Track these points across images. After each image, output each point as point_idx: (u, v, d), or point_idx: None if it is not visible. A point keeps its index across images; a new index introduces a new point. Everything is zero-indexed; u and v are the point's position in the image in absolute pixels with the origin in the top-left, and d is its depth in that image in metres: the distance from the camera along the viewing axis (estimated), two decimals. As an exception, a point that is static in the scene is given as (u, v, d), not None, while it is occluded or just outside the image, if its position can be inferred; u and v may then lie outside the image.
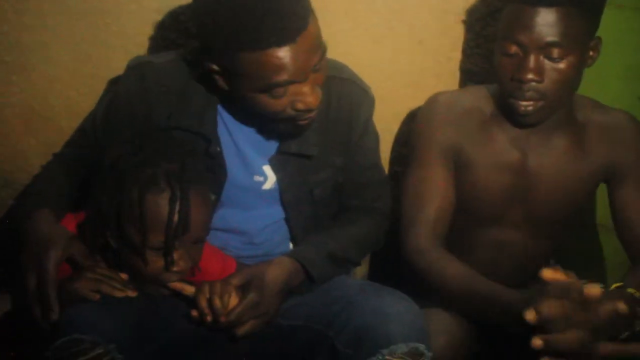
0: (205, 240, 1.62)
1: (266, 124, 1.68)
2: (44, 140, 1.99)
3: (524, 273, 1.90)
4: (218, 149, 1.71)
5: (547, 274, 1.45)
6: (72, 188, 1.71)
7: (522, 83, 1.69)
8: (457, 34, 2.11)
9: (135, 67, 1.72)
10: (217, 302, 1.56)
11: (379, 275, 2.23)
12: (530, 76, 1.67)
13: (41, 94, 2.01)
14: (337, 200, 1.86)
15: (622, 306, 1.42)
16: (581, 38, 1.68)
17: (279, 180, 1.77)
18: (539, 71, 1.68)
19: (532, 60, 1.67)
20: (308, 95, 1.56)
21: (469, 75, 2.13)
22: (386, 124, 2.15)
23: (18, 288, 1.54)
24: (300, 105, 1.57)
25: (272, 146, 1.75)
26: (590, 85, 1.86)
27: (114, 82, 1.81)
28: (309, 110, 1.60)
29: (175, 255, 1.55)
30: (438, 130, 1.83)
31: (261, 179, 1.77)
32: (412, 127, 1.96)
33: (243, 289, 1.61)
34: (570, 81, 1.71)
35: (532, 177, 1.83)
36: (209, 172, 1.66)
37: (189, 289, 1.59)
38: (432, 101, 1.88)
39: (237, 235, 1.80)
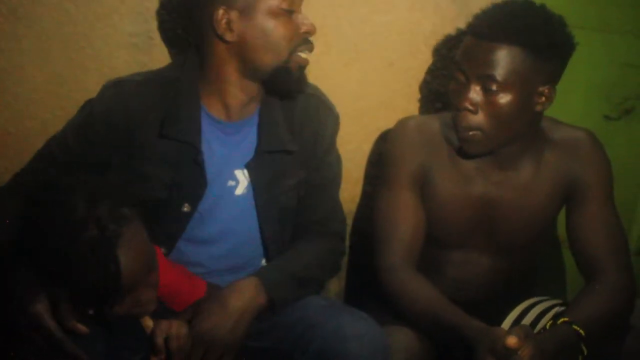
0: (156, 268, 1.61)
1: (275, 75, 1.75)
2: (19, 162, 1.99)
3: (491, 289, 1.94)
4: (203, 157, 1.76)
5: (512, 341, 1.55)
6: None
7: (459, 110, 1.74)
8: (425, 57, 2.17)
9: (112, 86, 1.78)
10: (174, 344, 1.58)
11: (355, 291, 2.27)
12: (464, 104, 1.73)
13: (16, 116, 2.02)
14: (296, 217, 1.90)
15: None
16: (525, 79, 1.71)
17: (254, 184, 1.81)
18: (473, 101, 1.72)
19: (469, 90, 1.73)
20: (308, 21, 1.76)
21: (437, 96, 2.18)
22: (357, 144, 2.20)
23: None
24: (304, 28, 1.74)
25: (247, 149, 1.81)
26: (556, 104, 1.88)
27: (87, 103, 1.84)
28: (308, 41, 1.77)
29: (123, 307, 1.55)
30: (407, 154, 1.88)
31: (233, 183, 1.82)
32: (383, 149, 2.01)
33: (195, 320, 1.64)
34: (508, 118, 1.73)
35: (495, 207, 1.87)
36: (190, 182, 1.71)
37: (148, 324, 1.61)
38: (402, 125, 1.92)
39: (212, 246, 1.83)
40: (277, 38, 1.72)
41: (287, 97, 1.82)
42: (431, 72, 2.18)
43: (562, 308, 1.79)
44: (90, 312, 1.53)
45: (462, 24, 2.06)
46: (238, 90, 1.78)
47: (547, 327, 1.68)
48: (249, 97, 1.79)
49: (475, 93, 1.73)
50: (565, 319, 1.67)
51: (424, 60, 2.18)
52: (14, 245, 1.55)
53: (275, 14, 1.71)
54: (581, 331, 1.65)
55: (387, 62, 2.17)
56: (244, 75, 1.76)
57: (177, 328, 1.60)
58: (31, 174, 1.80)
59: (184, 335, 1.60)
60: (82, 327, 1.52)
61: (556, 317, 1.71)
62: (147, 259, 1.56)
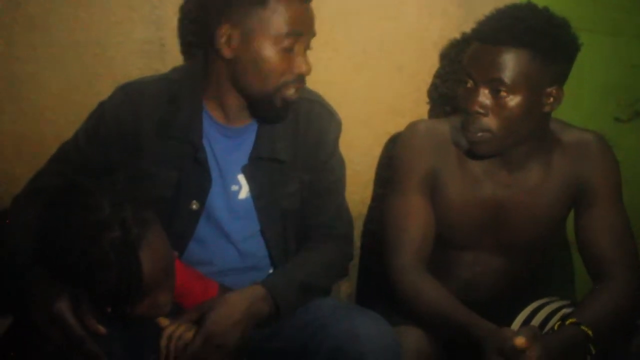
0: (174, 272, 1.64)
1: (258, 103, 1.78)
2: (35, 166, 2.03)
3: (501, 290, 1.96)
4: (204, 155, 1.80)
5: (519, 342, 1.57)
6: None
7: (469, 114, 1.76)
8: (433, 61, 2.20)
9: (123, 88, 1.84)
10: (172, 345, 1.62)
11: (366, 292, 2.29)
12: (474, 108, 1.75)
13: (32, 122, 2.06)
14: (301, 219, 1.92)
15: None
16: (532, 80, 1.73)
17: (251, 189, 1.84)
18: (483, 104, 1.74)
19: (478, 94, 1.74)
20: (305, 62, 1.76)
21: (446, 99, 2.20)
22: (367, 148, 2.22)
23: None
24: (298, 69, 1.75)
25: (245, 154, 1.84)
26: (566, 106, 1.90)
27: (99, 106, 1.88)
28: (301, 80, 1.78)
29: (141, 308, 1.58)
30: (417, 158, 1.90)
31: (236, 187, 1.85)
32: (393, 152, 2.03)
33: (200, 322, 1.66)
34: (517, 120, 1.75)
35: (504, 210, 1.88)
36: (195, 180, 1.75)
37: (164, 322, 1.64)
38: (412, 129, 1.94)
39: (223, 242, 1.86)
40: (268, 69, 1.74)
41: (276, 121, 1.84)
42: (440, 76, 2.20)
43: (571, 309, 1.80)
44: (109, 310, 1.56)
45: (469, 29, 2.06)
46: (234, 99, 1.81)
47: (556, 327, 1.69)
48: (244, 106, 1.82)
49: (484, 97, 1.75)
50: (573, 319, 1.68)
51: (433, 64, 2.20)
52: (34, 247, 1.58)
53: (274, 46, 1.73)
54: (589, 332, 1.66)
55: (396, 67, 2.19)
56: (236, 89, 1.80)
57: (183, 332, 1.63)
58: (48, 177, 1.83)
59: (189, 339, 1.63)
60: (100, 328, 1.55)
61: (564, 317, 1.72)
62: (166, 262, 1.60)
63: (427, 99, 2.23)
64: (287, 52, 1.74)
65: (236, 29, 1.73)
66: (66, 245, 1.51)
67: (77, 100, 2.04)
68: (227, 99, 1.81)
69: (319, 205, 1.91)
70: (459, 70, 1.84)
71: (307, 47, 1.78)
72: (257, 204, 1.85)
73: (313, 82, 1.92)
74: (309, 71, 1.77)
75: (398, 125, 2.10)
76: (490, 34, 1.73)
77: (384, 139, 2.23)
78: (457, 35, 2.19)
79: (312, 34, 1.78)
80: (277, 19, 1.71)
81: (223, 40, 1.74)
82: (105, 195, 1.54)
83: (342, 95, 2.08)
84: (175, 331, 1.62)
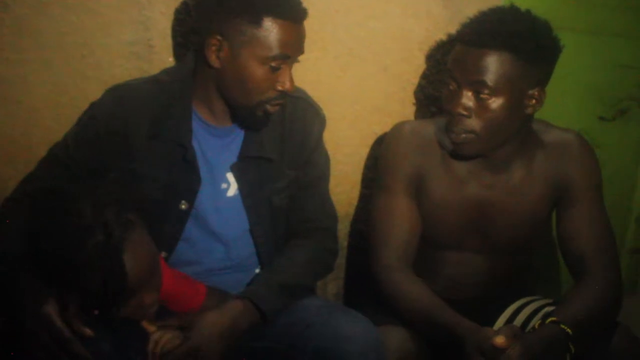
0: (159, 272, 1.65)
1: (239, 112, 1.81)
2: (24, 168, 2.04)
3: (486, 289, 1.98)
4: (194, 156, 1.83)
5: (499, 341, 1.60)
6: None
7: (453, 116, 1.78)
8: (419, 62, 2.22)
9: (112, 90, 1.86)
10: (159, 350, 1.64)
11: (353, 292, 2.31)
12: (458, 109, 1.77)
13: (21, 124, 2.06)
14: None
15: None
16: (515, 83, 1.75)
17: (240, 186, 1.87)
18: (466, 106, 1.77)
19: (462, 96, 1.77)
20: (290, 81, 1.79)
21: (432, 100, 2.23)
22: (354, 148, 2.24)
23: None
24: (281, 87, 1.78)
25: (234, 153, 1.87)
26: (551, 106, 1.94)
27: (88, 108, 1.89)
28: (283, 96, 1.80)
29: (128, 309, 1.60)
30: (403, 158, 1.92)
31: (226, 185, 1.88)
32: (378, 153, 2.05)
33: (185, 335, 1.67)
34: (500, 121, 1.78)
35: (488, 209, 1.91)
36: (184, 180, 1.78)
37: (151, 329, 1.66)
38: (397, 130, 1.97)
39: (211, 242, 1.88)
40: (251, 85, 1.77)
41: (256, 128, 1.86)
42: (425, 76, 2.22)
43: (553, 307, 1.83)
44: (96, 312, 1.57)
45: (454, 30, 2.08)
46: (219, 104, 1.84)
47: (536, 326, 1.72)
48: (231, 109, 1.85)
49: (467, 99, 1.77)
50: (553, 318, 1.70)
51: (418, 65, 2.22)
52: (22, 251, 1.59)
53: (261, 65, 1.75)
54: (568, 330, 1.68)
55: (382, 67, 2.21)
56: (221, 96, 1.83)
57: (170, 338, 1.65)
58: (37, 181, 1.84)
59: (176, 346, 1.64)
60: (87, 330, 1.56)
61: (545, 316, 1.74)
62: (151, 263, 1.61)
63: (413, 100, 2.25)
64: (273, 71, 1.77)
65: (226, 41, 1.75)
66: (51, 250, 1.53)
67: (66, 102, 2.05)
68: (214, 102, 1.84)
69: (302, 199, 1.93)
70: (445, 71, 1.86)
71: (295, 61, 1.81)
72: (246, 202, 1.88)
73: (300, 82, 1.94)
74: (292, 89, 1.80)
75: (384, 125, 2.12)
76: (474, 37, 1.75)
77: (370, 140, 2.25)
78: (442, 36, 2.21)
79: (301, 53, 1.81)
80: (268, 40, 1.74)
81: (212, 49, 1.76)
82: (88, 199, 1.55)
83: (329, 95, 2.10)
84: (162, 337, 1.64)
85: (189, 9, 2.05)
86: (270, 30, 1.73)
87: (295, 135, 1.91)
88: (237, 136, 1.88)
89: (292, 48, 1.77)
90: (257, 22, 1.73)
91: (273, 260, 1.88)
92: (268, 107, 1.80)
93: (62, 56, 2.04)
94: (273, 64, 1.75)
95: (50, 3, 2.01)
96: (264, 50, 1.74)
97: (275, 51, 1.74)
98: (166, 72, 1.92)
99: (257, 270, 1.94)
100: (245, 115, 1.82)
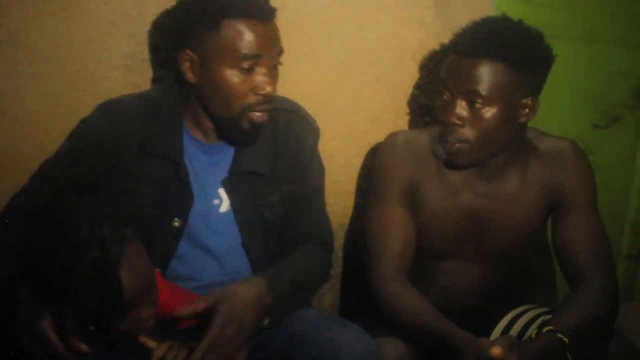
0: (155, 287, 1.65)
1: (225, 126, 1.79)
2: (16, 182, 2.03)
3: (481, 298, 1.98)
4: (186, 173, 1.82)
5: (495, 351, 1.59)
6: None
7: (446, 126, 1.78)
8: (412, 71, 2.22)
9: (104, 106, 1.85)
10: None
11: (349, 303, 2.31)
12: (452, 119, 1.77)
13: (13, 137, 2.06)
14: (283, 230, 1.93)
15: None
16: (508, 92, 1.75)
17: (232, 202, 1.86)
18: (460, 116, 1.77)
19: (455, 105, 1.77)
20: (268, 83, 1.74)
21: (425, 109, 2.23)
22: (348, 158, 2.25)
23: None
24: (261, 90, 1.74)
25: (226, 170, 1.86)
26: (545, 114, 1.94)
27: (80, 123, 1.89)
28: (267, 100, 1.76)
29: (124, 324, 1.59)
30: (397, 168, 1.92)
31: (218, 201, 1.87)
32: (372, 163, 2.05)
33: (211, 312, 1.64)
34: (494, 130, 1.78)
35: (483, 218, 1.91)
36: (176, 197, 1.77)
37: (151, 344, 1.64)
38: (391, 140, 1.96)
39: (205, 258, 1.87)
40: (228, 93, 1.74)
41: (246, 143, 1.84)
42: (419, 86, 2.23)
43: (549, 316, 1.82)
44: (92, 328, 1.57)
45: (447, 39, 2.09)
46: (206, 121, 1.83)
47: (533, 335, 1.71)
48: (219, 130, 1.83)
49: (461, 108, 1.77)
50: (550, 327, 1.70)
51: (411, 75, 2.22)
52: (17, 266, 1.59)
53: (231, 69, 1.72)
54: (565, 339, 1.68)
55: (375, 78, 2.21)
56: (207, 112, 1.81)
57: (177, 349, 1.63)
58: (30, 196, 1.84)
59: (184, 355, 1.62)
60: (83, 346, 1.56)
61: (542, 325, 1.74)
62: (147, 277, 1.61)
63: (406, 110, 2.26)
64: (247, 74, 1.73)
65: (196, 54, 1.74)
66: (47, 266, 1.52)
67: (59, 116, 2.05)
68: (202, 119, 1.83)
69: (299, 214, 1.92)
70: (438, 81, 1.86)
71: (273, 65, 1.77)
72: (238, 217, 1.87)
73: (293, 94, 1.95)
74: (273, 91, 1.76)
75: (378, 135, 2.12)
76: (467, 47, 1.75)
77: (364, 150, 2.25)
78: (435, 46, 2.21)
79: (277, 51, 1.77)
80: (232, 43, 1.71)
81: (186, 65, 1.76)
82: (83, 213, 1.55)
83: (322, 107, 2.10)
84: (167, 353, 1.61)
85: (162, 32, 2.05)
86: (231, 32, 1.70)
87: (290, 148, 1.90)
88: (228, 153, 1.87)
89: (260, 47, 1.72)
90: (217, 27, 1.71)
91: (276, 261, 1.86)
92: (253, 116, 1.77)
93: (54, 69, 2.05)
94: (245, 66, 1.72)
95: (43, 16, 2.01)
96: (230, 53, 1.71)
97: (242, 52, 1.71)
98: (157, 88, 1.92)
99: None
100: (233, 129, 1.80)
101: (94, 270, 1.51)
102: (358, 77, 2.20)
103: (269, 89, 1.75)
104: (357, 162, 2.26)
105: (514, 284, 2.02)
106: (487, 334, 1.86)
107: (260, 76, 1.74)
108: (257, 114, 1.77)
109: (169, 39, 1.80)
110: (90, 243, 1.52)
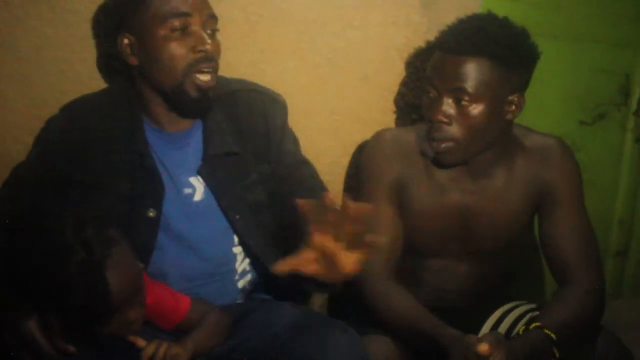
0: (142, 288, 1.64)
1: (174, 100, 1.79)
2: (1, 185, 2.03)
3: (470, 295, 1.98)
4: (152, 162, 1.82)
5: (483, 348, 1.60)
6: None
7: (433, 123, 1.79)
8: (399, 70, 2.22)
9: (65, 108, 1.89)
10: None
11: (338, 303, 2.30)
12: (438, 117, 1.77)
13: (-1, 140, 2.07)
14: (279, 210, 1.91)
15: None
16: (494, 89, 1.76)
17: (212, 188, 1.85)
18: (447, 114, 1.77)
19: (442, 103, 1.77)
20: (204, 39, 1.75)
21: (413, 108, 2.23)
22: (335, 157, 2.24)
23: None
24: (199, 46, 1.74)
25: (195, 159, 1.86)
26: (532, 111, 1.95)
27: (46, 124, 1.89)
28: (207, 58, 1.76)
29: (112, 326, 1.59)
30: (384, 166, 1.91)
31: (190, 190, 1.86)
32: (359, 161, 2.05)
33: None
34: (481, 128, 1.78)
35: (470, 215, 1.91)
36: (147, 188, 1.77)
37: (140, 343, 1.64)
38: (378, 137, 1.96)
39: (185, 249, 1.86)
40: (167, 57, 1.75)
41: (200, 115, 1.85)
42: (406, 84, 2.23)
43: (537, 313, 1.83)
44: (80, 332, 1.55)
45: (433, 37, 2.09)
46: (158, 105, 1.83)
47: (520, 332, 1.72)
48: (171, 109, 1.83)
49: (447, 106, 1.77)
50: (537, 323, 1.71)
51: (398, 73, 2.22)
52: (1, 269, 1.57)
53: (164, 32, 1.75)
54: (552, 335, 1.68)
55: (362, 76, 2.21)
56: (156, 93, 1.82)
57: (166, 348, 1.62)
58: (8, 202, 1.83)
59: (174, 355, 1.62)
60: (70, 347, 1.54)
61: (530, 322, 1.75)
62: (134, 279, 1.60)
63: (393, 108, 2.26)
64: (183, 36, 1.75)
65: (132, 35, 1.77)
66: (32, 270, 1.51)
67: (44, 117, 2.01)
68: (154, 105, 1.84)
69: (287, 190, 1.90)
70: (425, 79, 1.86)
71: (211, 30, 1.78)
72: (222, 203, 1.86)
73: (280, 92, 1.94)
74: (213, 49, 1.77)
75: (365, 134, 2.11)
76: (453, 44, 1.76)
77: (351, 149, 2.25)
78: (421, 43, 2.21)
79: (209, 13, 1.78)
80: (160, 8, 1.74)
81: (127, 50, 1.78)
82: (66, 216, 1.53)
83: (309, 106, 2.10)
84: (158, 349, 1.61)
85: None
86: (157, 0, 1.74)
87: (257, 128, 1.89)
88: (193, 140, 1.87)
89: (188, 5, 1.74)
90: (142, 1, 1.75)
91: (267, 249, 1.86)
92: (197, 79, 1.76)
93: (40, 71, 2.04)
94: (176, 24, 1.74)
95: (27, 17, 2.00)
96: (161, 19, 1.74)
97: (170, 13, 1.73)
98: (116, 84, 1.94)
99: (237, 278, 1.92)
100: (181, 100, 1.79)
101: (79, 274, 1.49)
102: (345, 75, 2.20)
103: (207, 46, 1.75)
104: (345, 161, 2.26)
105: (502, 281, 2.01)
106: (476, 331, 1.87)
107: (195, 36, 1.75)
108: (201, 76, 1.77)
109: (108, 32, 1.80)
110: (74, 246, 1.50)
